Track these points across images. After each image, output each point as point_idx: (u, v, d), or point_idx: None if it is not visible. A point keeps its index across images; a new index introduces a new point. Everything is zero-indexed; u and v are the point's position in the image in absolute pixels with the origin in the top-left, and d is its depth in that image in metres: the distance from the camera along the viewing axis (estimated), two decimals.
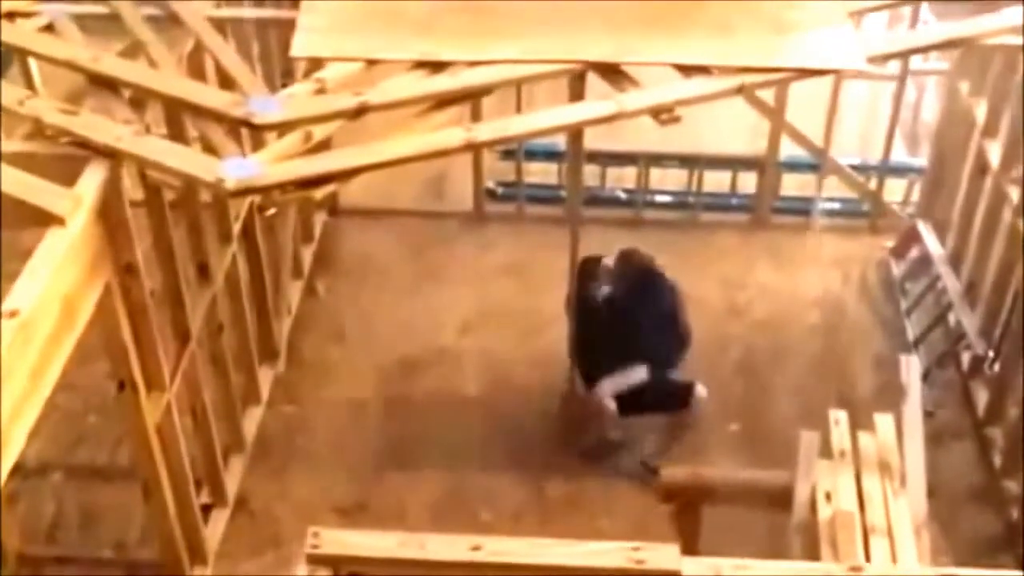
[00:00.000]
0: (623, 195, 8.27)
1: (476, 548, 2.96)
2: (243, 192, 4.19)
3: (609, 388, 6.40)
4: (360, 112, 4.53)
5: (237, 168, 4.23)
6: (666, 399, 6.45)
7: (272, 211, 4.38)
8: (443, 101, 4.67)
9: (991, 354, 6.69)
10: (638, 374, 6.41)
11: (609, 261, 6.71)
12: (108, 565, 5.82)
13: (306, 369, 7.05)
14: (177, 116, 4.97)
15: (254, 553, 5.97)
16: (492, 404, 6.80)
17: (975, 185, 6.92)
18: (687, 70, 4.85)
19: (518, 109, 7.07)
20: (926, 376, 6.85)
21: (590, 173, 8.24)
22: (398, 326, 7.34)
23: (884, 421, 5.44)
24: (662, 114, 4.69)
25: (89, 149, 4.38)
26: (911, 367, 5.43)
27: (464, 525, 6.01)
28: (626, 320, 6.49)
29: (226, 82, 4.92)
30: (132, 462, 6.25)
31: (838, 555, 4.80)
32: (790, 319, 7.39)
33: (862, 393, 6.78)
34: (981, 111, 6.82)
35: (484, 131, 4.49)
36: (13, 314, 3.69)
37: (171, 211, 5.14)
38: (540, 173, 8.46)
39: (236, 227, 6.03)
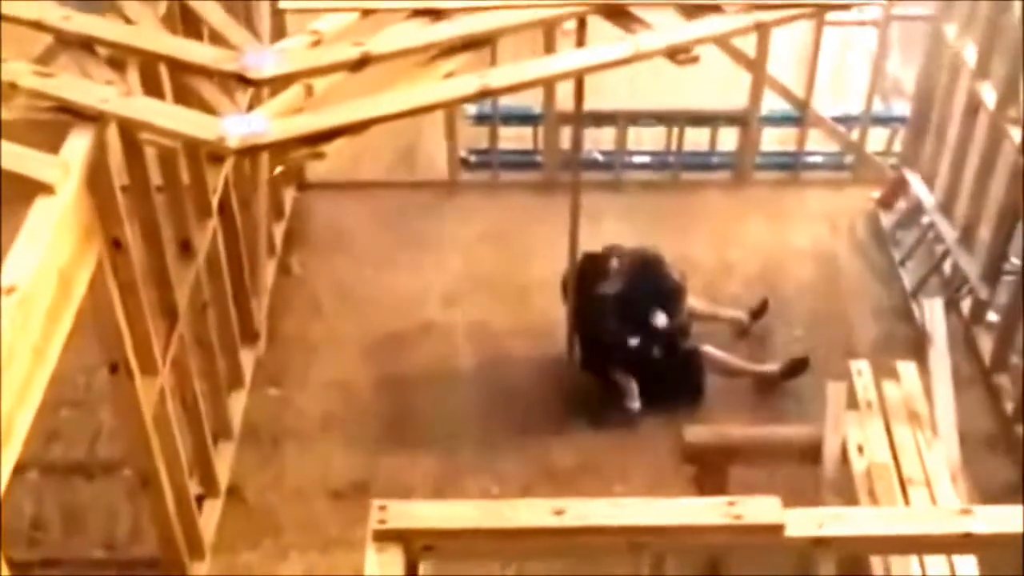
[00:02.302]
0: (601, 157, 8.03)
1: (559, 512, 2.70)
2: (248, 150, 3.88)
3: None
4: (362, 63, 4.24)
5: (239, 125, 3.92)
6: (677, 372, 6.29)
7: (280, 170, 4.03)
8: (447, 50, 4.39)
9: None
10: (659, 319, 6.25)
11: (614, 259, 6.40)
12: (99, 566, 5.46)
13: (288, 350, 6.72)
14: (155, 78, 4.63)
15: (251, 544, 5.65)
16: (487, 376, 6.54)
17: (966, 128, 6.78)
18: (697, 9, 4.61)
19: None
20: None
21: (565, 136, 8.00)
22: (380, 301, 7.03)
23: (907, 369, 5.29)
24: (679, 54, 4.45)
25: (71, 113, 4.04)
26: (935, 311, 5.26)
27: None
28: (635, 318, 6.28)
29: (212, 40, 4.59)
30: (112, 456, 5.98)
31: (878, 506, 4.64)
32: (784, 274, 7.21)
33: (864, 344, 6.64)
34: (971, 53, 6.68)
35: (498, 77, 4.22)
36: (11, 290, 3.36)
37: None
38: (513, 139, 8.18)
39: (214, 200, 5.69)
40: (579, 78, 5.26)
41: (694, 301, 6.58)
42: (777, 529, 2.70)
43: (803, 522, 2.74)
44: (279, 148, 3.93)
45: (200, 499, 5.60)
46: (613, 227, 7.19)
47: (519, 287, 7.15)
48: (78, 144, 3.96)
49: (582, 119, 5.65)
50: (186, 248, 5.30)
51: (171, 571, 5.09)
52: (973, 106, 6.69)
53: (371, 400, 6.40)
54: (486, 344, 6.74)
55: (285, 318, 6.91)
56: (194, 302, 5.40)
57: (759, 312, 6.70)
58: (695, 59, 4.45)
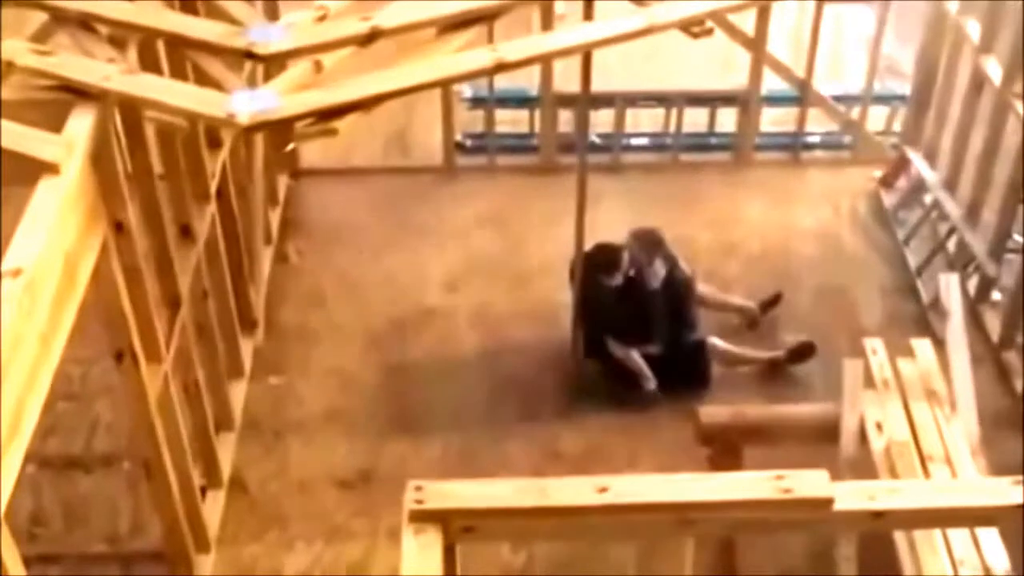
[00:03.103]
0: (598, 140, 7.92)
1: (603, 490, 2.60)
2: (260, 126, 3.75)
3: (617, 346, 6.17)
4: (371, 38, 4.12)
5: (249, 101, 3.80)
6: (684, 363, 6.22)
7: (291, 147, 3.92)
8: (456, 24, 4.27)
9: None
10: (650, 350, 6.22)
11: (626, 253, 6.28)
12: (101, 560, 5.33)
13: (287, 338, 6.59)
14: (153, 56, 4.50)
15: (256, 536, 5.53)
16: (491, 361, 6.43)
17: (970, 104, 6.71)
18: None
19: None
20: (934, 304, 6.67)
21: (562, 119, 7.91)
22: (380, 287, 6.92)
23: (922, 346, 5.21)
24: (694, 27, 4.35)
25: (72, 92, 3.91)
26: (951, 286, 5.19)
27: None
28: (643, 306, 6.19)
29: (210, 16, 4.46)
30: (110, 449, 5.87)
31: None
32: (787, 254, 7.13)
33: (871, 323, 6.56)
34: (974, 29, 6.61)
35: (513, 51, 4.10)
36: (17, 273, 3.23)
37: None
38: (508, 122, 8.07)
39: (213, 185, 5.56)
40: (587, 55, 5.16)
41: (703, 287, 6.49)
42: (826, 503, 2.61)
43: (852, 495, 2.65)
44: (290, 124, 3.80)
45: (203, 491, 5.48)
46: (613, 210, 7.10)
47: (519, 272, 7.05)
48: (81, 123, 3.83)
49: (588, 99, 5.53)
50: (186, 233, 5.18)
51: (177, 564, 4.97)
52: (977, 82, 6.62)
53: (374, 387, 6.28)
54: (488, 329, 6.64)
55: (283, 306, 6.79)
56: (194, 289, 5.27)
57: (771, 304, 6.59)
58: (709, 31, 4.36)
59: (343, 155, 7.93)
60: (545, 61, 4.28)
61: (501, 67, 4.05)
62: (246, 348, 6.33)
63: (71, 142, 3.72)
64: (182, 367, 5.06)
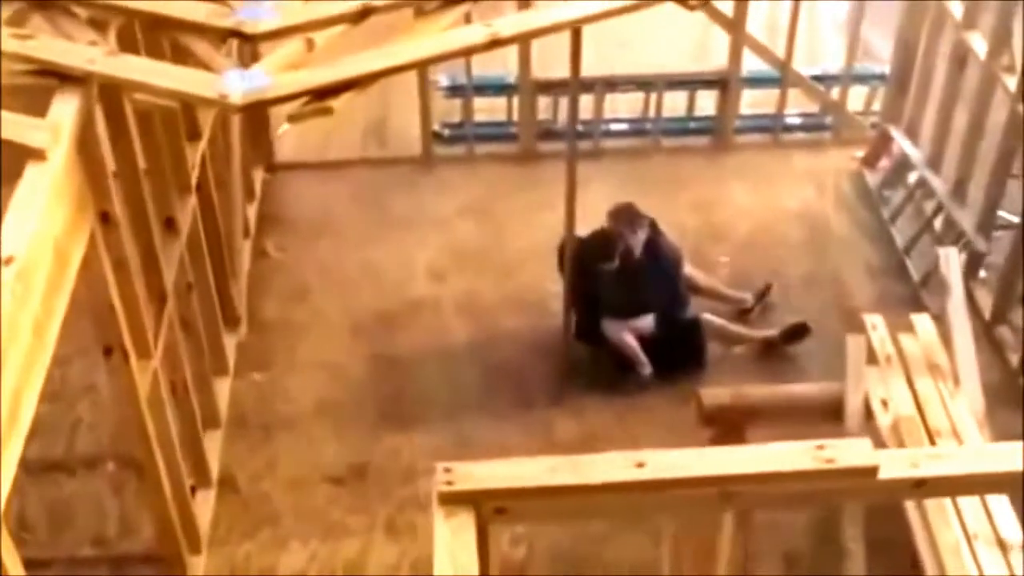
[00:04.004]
0: (579, 127, 7.79)
1: (640, 465, 2.51)
2: (253, 106, 3.63)
3: (613, 330, 6.07)
4: (363, 15, 4.01)
5: (240, 81, 3.67)
6: (678, 341, 6.15)
7: (284, 129, 3.79)
8: (448, 1, 4.16)
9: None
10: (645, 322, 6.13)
11: (621, 243, 6.17)
12: (89, 564, 5.17)
13: (270, 334, 6.45)
14: (132, 39, 4.35)
15: (248, 535, 5.39)
16: (481, 350, 6.32)
17: (953, 80, 6.68)
18: None
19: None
20: (925, 282, 6.64)
21: (541, 106, 7.82)
22: (364, 279, 6.79)
23: (922, 321, 5.16)
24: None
25: (54, 76, 3.76)
26: (950, 259, 5.14)
27: None
28: (634, 285, 6.10)
29: None
30: (92, 450, 5.71)
31: None
32: (773, 237, 7.07)
33: (861, 303, 6.50)
34: (956, 5, 6.57)
35: (507, 26, 3.99)
36: (9, 260, 3.09)
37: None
38: (485, 111, 7.96)
39: (193, 177, 5.41)
40: (577, 38, 5.07)
41: (691, 270, 6.43)
42: (871, 471, 2.53)
43: (897, 463, 2.57)
44: (284, 104, 3.67)
45: (192, 490, 5.33)
46: (598, 196, 6.97)
47: (505, 260, 6.95)
48: (65, 108, 3.69)
49: (578, 81, 5.42)
50: (170, 226, 5.03)
51: (171, 565, 4.83)
52: (960, 57, 6.59)
53: (363, 381, 6.15)
54: (477, 318, 6.53)
55: (265, 302, 6.64)
56: (178, 284, 5.13)
57: (761, 296, 6.52)
58: (706, 2, 4.26)
59: (320, 147, 7.80)
60: (539, 36, 4.15)
61: (496, 43, 3.94)
62: (229, 344, 6.18)
63: (57, 127, 3.58)
64: (169, 363, 4.91)
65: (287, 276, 6.82)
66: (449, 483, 2.50)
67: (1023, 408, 5.75)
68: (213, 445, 5.68)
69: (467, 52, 3.91)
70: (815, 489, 2.54)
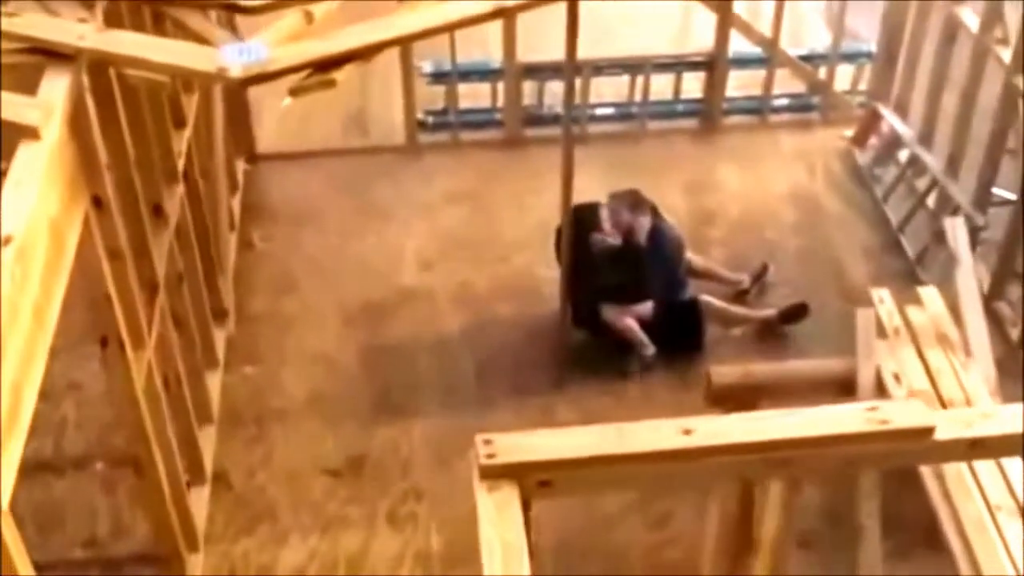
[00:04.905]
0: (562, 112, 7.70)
1: (688, 432, 2.40)
2: (254, 80, 3.49)
3: (612, 315, 5.97)
4: None
5: (240, 54, 3.54)
6: (677, 323, 6.07)
7: (287, 102, 3.65)
8: None
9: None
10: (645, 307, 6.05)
11: (603, 208, 6.11)
12: (81, 566, 5.01)
13: (259, 327, 6.29)
14: (118, 15, 4.19)
15: (246, 531, 5.24)
16: (476, 337, 6.20)
17: (943, 55, 6.63)
18: None
19: None
20: (920, 259, 6.58)
21: (526, 92, 7.71)
22: (352, 269, 6.64)
23: (929, 293, 5.09)
24: None
25: (44, 54, 3.61)
26: (957, 230, 5.07)
27: None
28: (635, 271, 6.01)
29: None
30: (79, 450, 5.54)
31: None
32: (766, 218, 6.99)
33: (858, 282, 6.44)
34: None
35: None
36: (8, 240, 2.95)
37: None
38: (468, 97, 7.83)
39: (180, 164, 5.25)
40: (574, 19, 4.95)
41: (688, 253, 6.35)
42: (927, 432, 2.43)
43: (951, 424, 2.47)
44: (285, 77, 3.54)
45: (187, 487, 5.17)
46: (585, 180, 6.77)
47: (495, 247, 6.83)
48: (56, 86, 3.54)
49: (575, 61, 5.29)
50: (158, 213, 4.87)
51: (170, 564, 4.67)
52: (950, 32, 6.54)
53: (356, 372, 6.01)
54: (469, 306, 6.41)
55: (253, 294, 6.49)
56: (168, 275, 4.97)
57: (758, 277, 6.44)
58: None
59: (301, 138, 7.67)
60: (547, 4, 4.03)
61: (500, 12, 3.84)
62: (218, 338, 6.02)
63: (48, 105, 3.42)
64: (161, 356, 4.75)
65: (273, 268, 6.67)
66: (490, 456, 2.38)
67: None
68: (206, 440, 5.52)
69: (471, 22, 3.77)
70: (867, 453, 2.44)
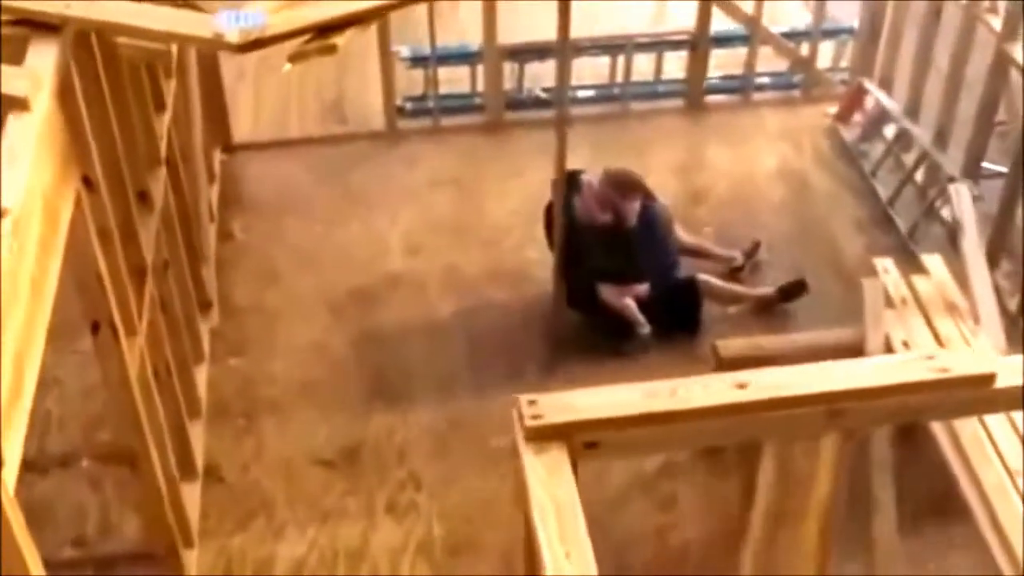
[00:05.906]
0: (544, 95, 7.61)
1: (742, 386, 2.29)
2: (251, 45, 3.34)
3: (609, 295, 5.86)
4: None
5: (235, 20, 3.38)
6: (674, 302, 5.97)
7: (287, 68, 3.51)
8: None
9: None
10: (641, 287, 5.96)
11: (588, 176, 6.00)
12: (72, 566, 4.82)
13: (244, 318, 6.12)
14: None
15: (241, 525, 5.08)
16: (467, 322, 6.07)
17: (929, 28, 6.58)
18: None
19: None
20: (912, 232, 6.53)
21: (506, 74, 7.59)
22: (337, 257, 6.50)
23: (933, 261, 5.03)
24: None
25: (29, 25, 3.44)
26: (962, 196, 5.00)
27: (475, 455, 5.30)
28: (629, 253, 5.91)
29: None
30: (63, 448, 5.36)
31: None
32: (756, 196, 6.92)
33: (852, 257, 6.39)
34: None
35: None
36: (4, 213, 2.78)
37: None
38: (445, 82, 7.69)
39: (163, 147, 5.08)
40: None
41: (679, 231, 6.25)
42: (988, 379, 2.34)
43: (1012, 372, 2.37)
44: (283, 42, 3.39)
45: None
46: (572, 162, 6.63)
47: (481, 231, 6.71)
48: (43, 57, 3.36)
49: (568, 43, 5.18)
50: (144, 199, 4.70)
51: (167, 561, 4.50)
52: (935, 6, 6.49)
53: (346, 361, 5.86)
54: (459, 291, 6.28)
55: (235, 285, 6.32)
56: (155, 262, 4.80)
57: (750, 254, 6.36)
58: None
59: (278, 126, 7.52)
60: None
61: None
62: (203, 330, 5.85)
63: (37, 76, 3.25)
64: (151, 345, 4.58)
65: (255, 258, 6.51)
66: (536, 416, 2.25)
67: None
68: (196, 434, 5.35)
69: None
70: (926, 403, 2.34)
